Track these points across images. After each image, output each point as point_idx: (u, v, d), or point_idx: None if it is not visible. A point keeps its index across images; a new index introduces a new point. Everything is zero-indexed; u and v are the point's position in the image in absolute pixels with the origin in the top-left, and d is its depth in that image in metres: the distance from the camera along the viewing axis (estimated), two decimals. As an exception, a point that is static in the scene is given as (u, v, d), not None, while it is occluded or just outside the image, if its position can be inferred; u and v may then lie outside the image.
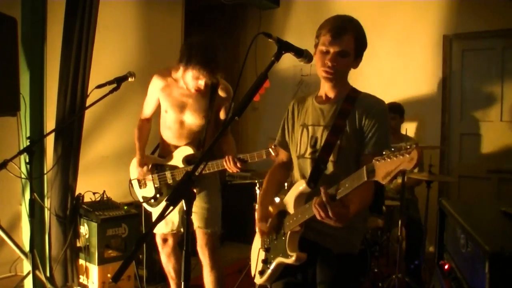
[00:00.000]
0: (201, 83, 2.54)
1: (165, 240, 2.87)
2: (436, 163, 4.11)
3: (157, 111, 2.86)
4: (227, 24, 5.71)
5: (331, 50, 1.72)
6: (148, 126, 2.91)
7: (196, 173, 1.38)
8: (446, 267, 1.98)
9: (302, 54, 1.65)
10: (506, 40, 4.16)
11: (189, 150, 2.66)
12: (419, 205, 3.86)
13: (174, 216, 2.78)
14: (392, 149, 1.35)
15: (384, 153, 1.35)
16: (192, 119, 2.67)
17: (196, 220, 2.68)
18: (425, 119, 4.49)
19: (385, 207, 3.43)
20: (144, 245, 3.11)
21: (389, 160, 1.33)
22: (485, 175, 4.25)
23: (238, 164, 2.45)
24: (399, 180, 3.24)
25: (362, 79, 4.49)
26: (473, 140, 4.38)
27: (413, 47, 4.54)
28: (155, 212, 2.83)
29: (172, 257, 2.89)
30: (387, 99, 4.20)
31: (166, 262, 2.92)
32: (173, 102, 2.68)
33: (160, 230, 2.82)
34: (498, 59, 4.21)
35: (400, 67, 4.62)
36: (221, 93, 2.67)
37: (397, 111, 3.93)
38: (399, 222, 3.18)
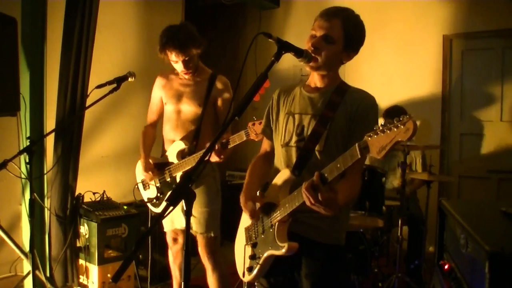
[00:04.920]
0: (177, 65, 2.63)
1: (175, 240, 2.90)
2: (436, 163, 4.11)
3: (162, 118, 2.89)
4: (227, 24, 5.71)
5: (317, 34, 1.71)
6: (153, 132, 2.92)
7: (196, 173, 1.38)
8: (446, 267, 1.98)
9: (302, 54, 1.65)
10: (506, 40, 4.16)
11: (181, 145, 2.69)
12: (419, 205, 3.86)
13: (179, 214, 2.80)
14: (382, 124, 1.33)
15: (375, 128, 1.33)
16: (188, 108, 2.70)
17: (195, 224, 2.69)
18: (425, 119, 4.49)
19: (385, 207, 3.43)
20: (149, 244, 3.13)
21: (382, 134, 1.31)
22: (485, 175, 4.25)
23: (219, 150, 2.42)
24: (399, 182, 3.24)
25: (362, 79, 4.52)
26: (473, 140, 4.38)
27: (413, 47, 4.54)
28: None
29: (179, 255, 2.92)
30: (387, 99, 4.25)
31: (173, 260, 2.95)
32: (172, 93, 2.75)
33: (169, 227, 2.85)
34: (498, 59, 4.21)
35: (400, 67, 4.62)
36: (218, 84, 2.70)
37: (397, 115, 3.79)
38: (399, 222, 3.18)
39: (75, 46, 3.20)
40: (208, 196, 2.69)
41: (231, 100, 2.71)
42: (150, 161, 2.81)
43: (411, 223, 3.63)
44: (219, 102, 2.71)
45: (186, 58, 2.59)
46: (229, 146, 2.45)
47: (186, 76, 2.71)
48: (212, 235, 2.69)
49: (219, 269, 2.73)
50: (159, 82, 2.83)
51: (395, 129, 1.29)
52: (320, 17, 1.73)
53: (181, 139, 2.70)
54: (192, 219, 2.69)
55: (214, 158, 2.44)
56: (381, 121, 1.90)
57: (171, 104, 2.74)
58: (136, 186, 2.92)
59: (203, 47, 2.65)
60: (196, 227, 2.69)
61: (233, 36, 5.70)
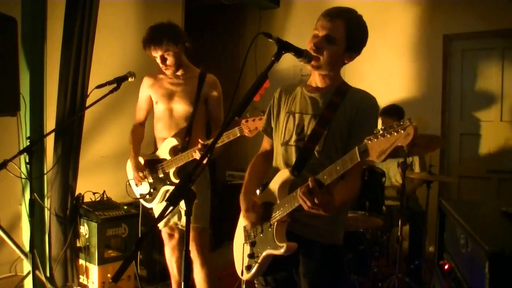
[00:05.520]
0: (158, 60, 2.68)
1: (171, 235, 2.92)
2: (436, 163, 4.11)
3: (151, 116, 2.93)
4: (227, 24, 5.71)
5: (320, 34, 1.72)
6: (141, 130, 2.97)
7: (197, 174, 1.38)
8: (446, 267, 1.98)
9: (302, 54, 1.65)
10: (506, 40, 4.16)
11: (174, 142, 2.73)
12: (419, 202, 3.87)
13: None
14: (382, 128, 1.33)
15: (375, 132, 1.34)
16: (180, 106, 2.74)
17: (183, 216, 2.66)
18: (425, 119, 4.49)
19: (385, 207, 3.42)
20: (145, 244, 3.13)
21: (382, 138, 1.31)
22: (485, 175, 4.25)
23: (199, 152, 2.48)
24: (400, 180, 3.24)
25: (362, 79, 4.52)
26: (473, 140, 4.38)
27: (413, 47, 4.55)
28: (155, 208, 2.85)
29: (176, 252, 2.93)
30: (387, 99, 4.25)
31: (170, 256, 2.96)
32: (162, 92, 2.79)
33: (163, 225, 2.86)
34: (498, 59, 4.21)
35: (400, 67, 4.62)
36: (207, 82, 2.73)
37: (394, 114, 3.77)
38: (399, 222, 3.18)
39: (75, 46, 3.20)
40: (196, 189, 2.68)
41: (220, 97, 2.78)
42: (141, 158, 2.84)
43: (412, 220, 3.63)
44: (209, 99, 2.76)
45: (164, 54, 2.64)
46: (219, 144, 2.48)
47: (167, 72, 2.75)
48: (200, 226, 2.69)
49: (208, 265, 2.73)
50: (146, 82, 2.88)
51: (395, 134, 1.29)
52: (323, 17, 1.73)
53: (173, 136, 2.73)
54: (182, 212, 2.71)
55: (196, 155, 2.51)
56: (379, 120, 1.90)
57: (162, 103, 2.78)
58: (128, 183, 2.94)
59: (183, 45, 2.69)
60: (183, 217, 2.69)
61: (233, 36, 5.70)
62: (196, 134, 2.70)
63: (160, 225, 2.86)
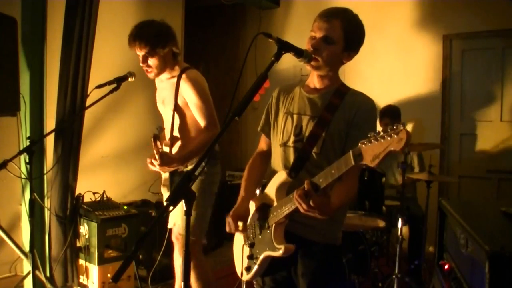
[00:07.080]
0: (140, 59, 2.55)
1: (177, 239, 2.87)
2: (436, 163, 4.12)
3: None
4: (227, 24, 5.72)
5: (317, 35, 1.71)
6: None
7: (196, 173, 1.38)
8: (446, 267, 1.98)
9: (302, 54, 1.65)
10: (506, 40, 4.16)
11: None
12: (419, 203, 3.87)
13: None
14: (377, 132, 1.33)
15: (369, 136, 1.33)
16: (166, 112, 2.66)
17: (179, 226, 2.63)
18: (425, 119, 4.49)
19: (385, 207, 3.43)
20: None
21: (376, 142, 1.31)
22: (485, 175, 4.25)
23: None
24: (400, 180, 3.24)
25: (362, 79, 4.52)
26: (473, 140, 4.38)
27: (413, 47, 4.54)
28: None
29: (180, 256, 2.90)
30: (387, 99, 4.25)
31: (178, 257, 2.93)
32: (158, 98, 2.74)
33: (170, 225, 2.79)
34: (498, 59, 4.21)
35: (400, 67, 4.62)
36: (181, 84, 2.54)
37: (391, 115, 3.81)
38: (399, 222, 3.18)
39: (75, 46, 3.20)
40: (197, 200, 2.62)
41: (199, 97, 2.52)
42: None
43: (411, 222, 3.64)
44: (189, 103, 2.56)
45: (146, 54, 2.51)
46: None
47: (149, 76, 2.61)
48: (193, 239, 2.59)
49: (200, 266, 2.66)
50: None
51: (389, 138, 1.29)
52: (319, 18, 1.73)
53: (164, 145, 2.65)
54: (178, 221, 2.65)
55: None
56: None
57: (160, 108, 2.75)
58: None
59: (170, 49, 2.55)
60: (178, 228, 2.65)
61: (233, 36, 5.70)
62: (183, 142, 2.59)
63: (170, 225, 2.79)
